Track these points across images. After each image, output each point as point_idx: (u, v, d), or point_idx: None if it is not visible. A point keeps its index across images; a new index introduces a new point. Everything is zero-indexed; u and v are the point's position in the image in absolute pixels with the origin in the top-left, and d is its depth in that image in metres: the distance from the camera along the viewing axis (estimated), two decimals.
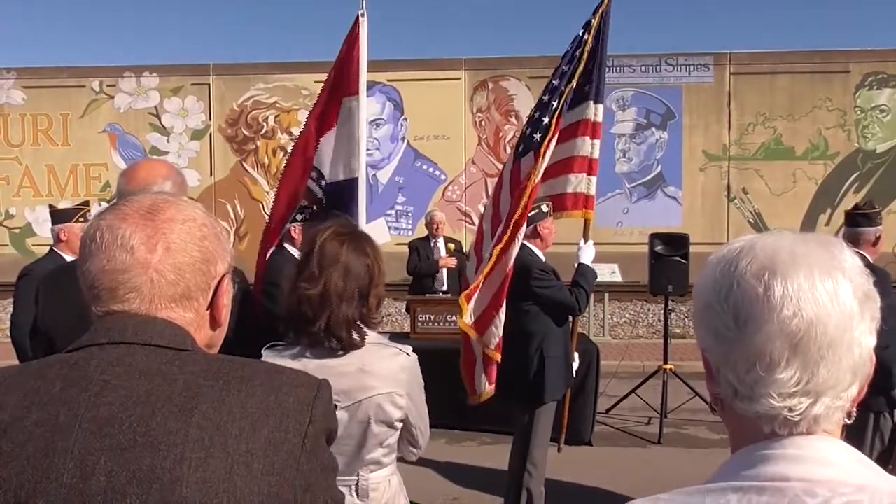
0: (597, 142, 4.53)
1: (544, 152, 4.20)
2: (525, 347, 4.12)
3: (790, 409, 0.83)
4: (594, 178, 4.53)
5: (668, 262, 6.38)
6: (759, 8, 41.37)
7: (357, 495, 1.91)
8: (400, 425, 1.98)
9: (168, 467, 0.88)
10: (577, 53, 4.43)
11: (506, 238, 4.11)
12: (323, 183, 4.51)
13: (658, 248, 6.46)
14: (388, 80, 15.45)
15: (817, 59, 14.89)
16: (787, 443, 0.84)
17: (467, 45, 56.01)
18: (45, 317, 2.64)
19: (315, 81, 14.29)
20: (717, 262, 0.91)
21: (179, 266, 1.02)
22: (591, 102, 4.53)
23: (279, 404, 0.97)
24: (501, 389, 4.19)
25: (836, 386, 0.83)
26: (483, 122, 15.38)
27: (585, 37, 4.47)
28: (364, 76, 4.33)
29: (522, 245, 4.10)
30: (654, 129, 14.97)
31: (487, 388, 4.27)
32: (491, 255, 4.15)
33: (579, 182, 4.54)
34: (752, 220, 14.90)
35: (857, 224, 4.08)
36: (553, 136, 4.22)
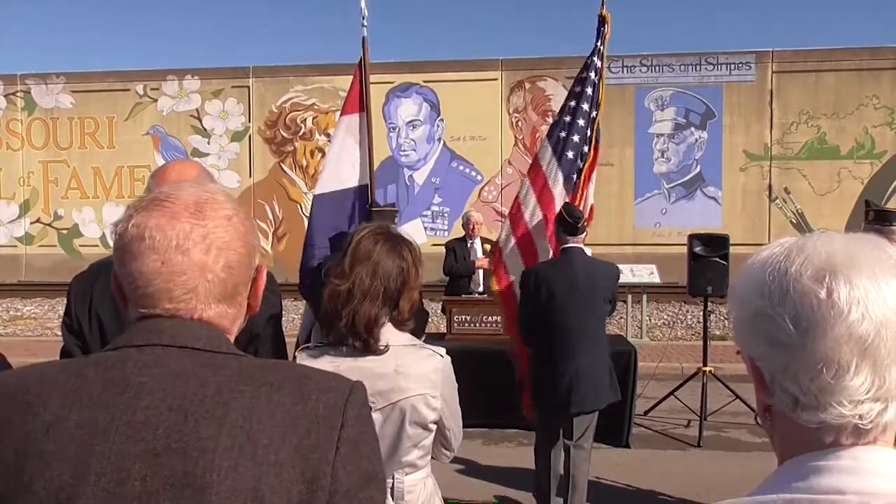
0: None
1: (588, 176, 4.90)
2: (604, 349, 4.14)
3: (861, 417, 0.79)
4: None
5: (707, 263, 6.28)
6: (803, 6, 40.47)
7: (392, 498, 1.91)
8: (434, 427, 1.97)
9: (199, 474, 0.89)
10: (596, 80, 4.98)
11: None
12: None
13: (697, 249, 6.36)
14: (425, 82, 15.47)
15: (865, 55, 14.51)
16: (842, 454, 0.80)
17: (503, 46, 55.81)
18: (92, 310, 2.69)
19: None
20: (761, 266, 0.86)
21: (230, 264, 1.03)
22: None
23: (307, 413, 0.96)
24: (590, 398, 4.03)
25: None
26: (520, 123, 15.31)
27: (598, 63, 4.99)
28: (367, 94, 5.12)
29: (581, 248, 4.12)
30: (693, 128, 14.74)
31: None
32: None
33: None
34: (794, 221, 14.60)
35: (890, 221, 4.02)
36: (594, 162, 4.92)
